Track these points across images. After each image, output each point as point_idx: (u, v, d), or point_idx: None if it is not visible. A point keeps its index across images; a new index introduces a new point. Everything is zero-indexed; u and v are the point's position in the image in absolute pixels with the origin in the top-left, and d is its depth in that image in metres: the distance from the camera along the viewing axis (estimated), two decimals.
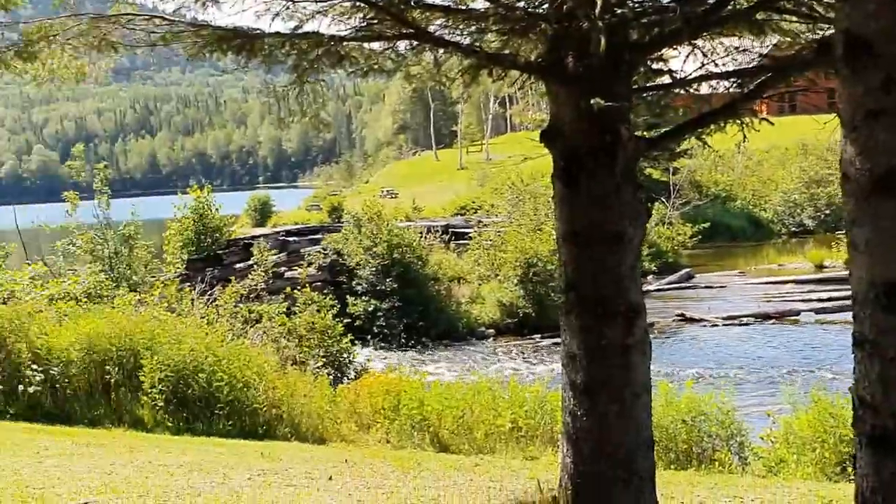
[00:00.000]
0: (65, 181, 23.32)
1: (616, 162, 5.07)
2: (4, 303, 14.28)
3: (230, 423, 11.76)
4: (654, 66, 5.54)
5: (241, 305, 17.91)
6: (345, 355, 16.97)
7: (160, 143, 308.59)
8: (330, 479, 7.92)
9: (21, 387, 11.67)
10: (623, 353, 5.12)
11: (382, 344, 25.43)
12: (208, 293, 19.99)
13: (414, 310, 26.03)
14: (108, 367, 12.16)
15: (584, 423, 5.21)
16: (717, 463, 10.39)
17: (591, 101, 4.71)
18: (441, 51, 5.88)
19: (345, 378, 16.40)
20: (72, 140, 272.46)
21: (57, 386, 12.02)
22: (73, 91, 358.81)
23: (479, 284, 29.12)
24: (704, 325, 25.95)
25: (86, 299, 15.72)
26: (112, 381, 12.14)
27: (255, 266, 25.73)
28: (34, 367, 11.83)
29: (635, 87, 5.40)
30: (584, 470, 5.26)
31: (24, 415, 11.67)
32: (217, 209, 30.17)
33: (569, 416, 5.33)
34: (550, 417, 11.85)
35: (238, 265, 28.21)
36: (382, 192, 76.92)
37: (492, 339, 25.80)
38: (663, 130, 5.73)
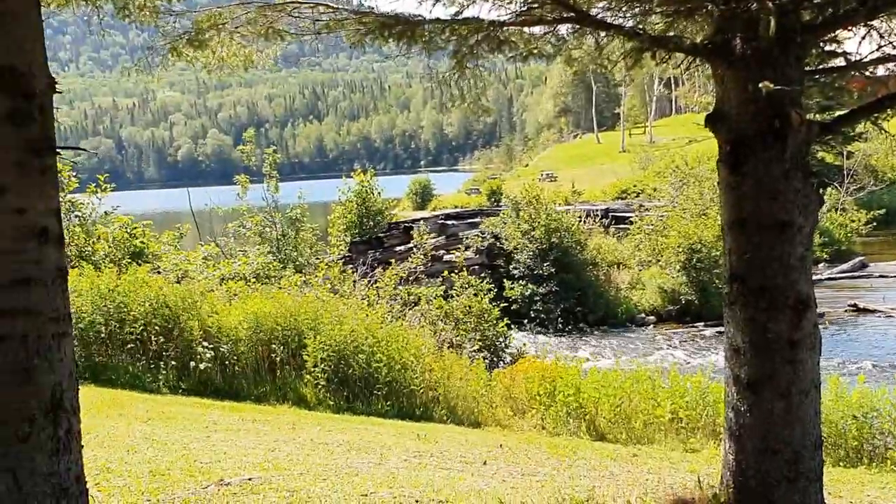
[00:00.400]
0: (237, 164, 24.30)
1: (785, 147, 4.82)
2: (178, 282, 14.99)
3: (388, 403, 11.97)
4: (827, 48, 5.24)
5: (400, 288, 18.21)
6: (501, 339, 16.98)
7: (327, 128, 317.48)
8: (484, 463, 7.94)
9: (192, 363, 12.22)
10: (790, 347, 4.88)
11: (539, 329, 25.36)
12: (369, 275, 20.43)
13: (571, 295, 25.84)
14: (273, 346, 12.58)
15: (748, 419, 5.00)
16: (889, 462, 9.83)
17: (760, 85, 4.49)
18: (603, 34, 5.74)
19: (500, 362, 16.42)
20: (244, 124, 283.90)
21: (226, 363, 12.53)
22: (246, 77, 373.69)
23: (640, 270, 28.61)
24: (879, 316, 24.64)
25: (254, 279, 16.33)
26: (277, 359, 12.56)
27: (414, 249, 26.14)
28: (205, 344, 12.37)
29: (807, 69, 5.12)
30: (747, 468, 5.06)
31: (195, 390, 12.22)
32: (379, 193, 30.80)
33: (732, 412, 5.13)
34: (713, 409, 11.50)
35: (398, 248, 28.73)
36: (542, 175, 76.64)
37: (652, 326, 25.31)
38: (837, 115, 5.41)
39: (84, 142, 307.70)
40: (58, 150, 3.67)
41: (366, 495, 5.98)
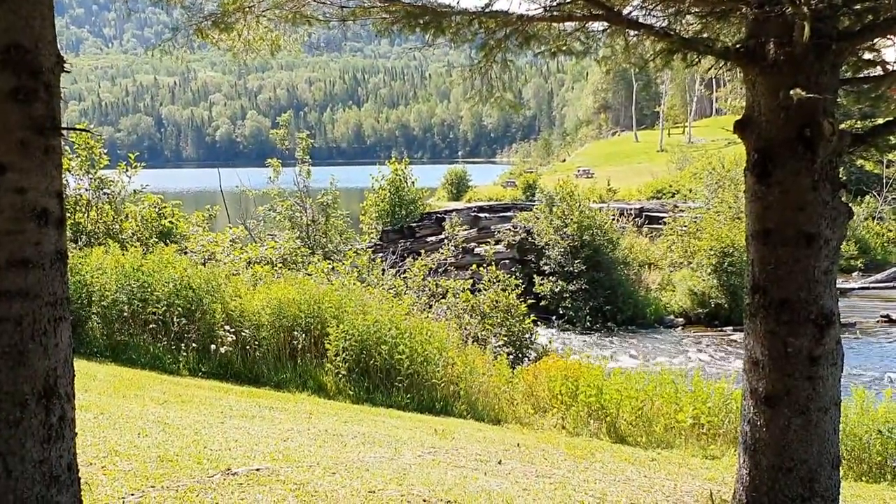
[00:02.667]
0: (274, 147, 24.26)
1: (815, 157, 4.66)
2: (204, 264, 15.01)
3: (409, 396, 11.90)
4: (865, 56, 5.06)
5: (429, 279, 18.13)
6: (526, 336, 16.85)
7: (366, 114, 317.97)
8: (499, 462, 7.83)
9: (213, 346, 12.22)
10: (811, 363, 4.73)
11: (567, 326, 25.18)
12: (398, 265, 20.39)
13: (601, 293, 25.62)
14: (295, 333, 12.55)
15: (763, 434, 4.86)
16: None
17: (791, 92, 4.34)
18: (633, 33, 5.59)
19: (525, 359, 16.30)
20: (283, 108, 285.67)
21: (247, 348, 12.52)
22: (287, 60, 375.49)
23: (671, 271, 28.33)
24: None
25: (281, 265, 16.31)
26: (299, 346, 12.53)
27: (445, 240, 26.09)
28: (227, 328, 12.36)
29: (842, 78, 4.94)
30: (760, 484, 4.91)
31: (214, 373, 12.23)
32: (413, 182, 30.72)
33: (748, 426, 4.99)
34: (735, 416, 11.32)
35: (430, 238, 28.69)
36: (578, 171, 76.32)
37: (680, 328, 25.03)
38: (872, 125, 5.23)
39: (124, 118, 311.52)
40: (62, 130, 3.59)
41: (373, 492, 5.89)
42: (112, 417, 7.72)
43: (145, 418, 7.88)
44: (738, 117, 5.11)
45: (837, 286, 4.88)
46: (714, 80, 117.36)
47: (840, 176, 4.77)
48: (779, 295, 4.75)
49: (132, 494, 5.33)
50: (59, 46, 3.65)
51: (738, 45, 4.86)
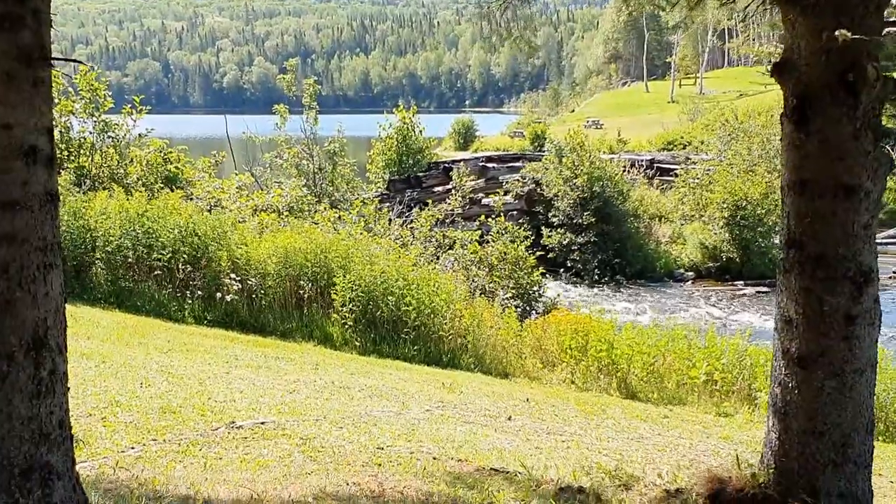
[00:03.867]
0: (282, 93, 23.80)
1: (858, 104, 4.36)
2: (210, 210, 14.77)
3: (416, 348, 11.71)
4: None
5: (436, 230, 17.87)
6: (535, 288, 16.61)
7: (373, 62, 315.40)
8: (509, 418, 7.63)
9: (219, 295, 12.01)
10: (847, 322, 4.46)
11: (575, 279, 24.97)
12: (405, 215, 20.13)
13: (610, 246, 25.33)
14: (301, 283, 12.33)
15: (795, 396, 4.61)
16: None
17: (836, 33, 4.02)
18: None
19: (533, 312, 16.09)
20: (291, 54, 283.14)
21: (253, 297, 12.32)
22: (295, 6, 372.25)
23: (682, 224, 28.00)
24: None
25: (287, 213, 16.05)
26: (305, 296, 12.32)
27: (453, 191, 25.77)
28: (232, 276, 12.15)
29: (887, 20, 4.62)
30: (790, 449, 4.67)
31: (220, 322, 12.04)
32: (421, 131, 30.34)
33: (778, 387, 4.74)
34: (749, 373, 11.14)
35: (437, 188, 28.37)
36: (588, 121, 75.63)
37: (690, 282, 24.78)
38: None
39: (131, 63, 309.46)
40: (53, 61, 3.30)
41: (382, 448, 5.68)
42: (114, 366, 7.52)
43: (148, 367, 7.68)
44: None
45: None
46: (727, 30, 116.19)
47: (883, 124, 4.47)
48: (815, 250, 4.47)
49: (132, 448, 5.13)
50: None
51: None
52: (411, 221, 18.57)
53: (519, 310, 15.18)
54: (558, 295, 17.82)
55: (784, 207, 4.67)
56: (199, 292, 12.16)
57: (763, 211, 24.70)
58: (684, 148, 46.64)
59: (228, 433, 5.63)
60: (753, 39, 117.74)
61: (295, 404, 6.80)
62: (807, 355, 4.57)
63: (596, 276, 24.77)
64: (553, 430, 7.36)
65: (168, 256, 12.33)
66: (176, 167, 16.84)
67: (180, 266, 12.36)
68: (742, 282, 24.13)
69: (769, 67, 4.91)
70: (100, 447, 5.06)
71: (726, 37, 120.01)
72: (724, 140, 35.14)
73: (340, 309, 11.95)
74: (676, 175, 31.54)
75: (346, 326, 11.95)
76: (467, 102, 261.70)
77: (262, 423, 5.91)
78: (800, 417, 4.62)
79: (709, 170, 29.17)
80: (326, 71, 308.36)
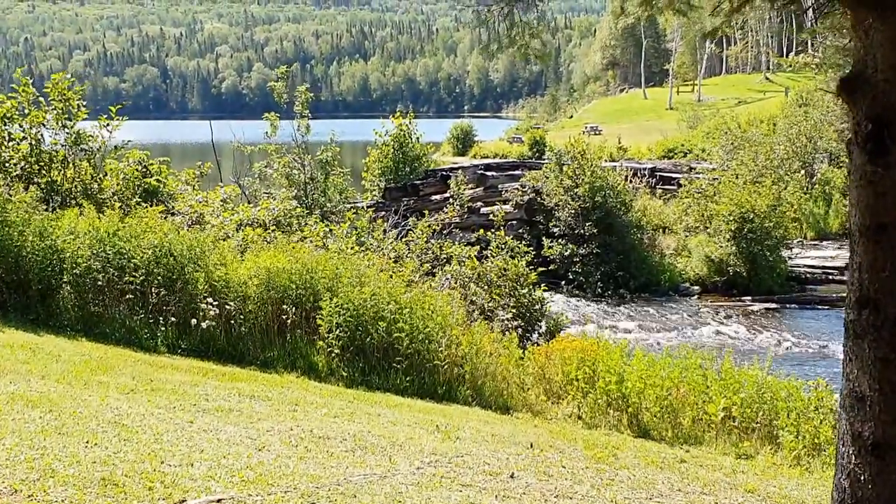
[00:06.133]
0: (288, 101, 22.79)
1: None
2: (192, 225, 13.87)
3: (408, 379, 10.78)
4: None
5: (432, 241, 16.97)
6: (536, 306, 15.66)
7: (372, 68, 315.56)
8: (512, 476, 6.71)
9: (195, 321, 11.08)
10: None
11: (576, 292, 24.06)
12: (401, 225, 19.26)
13: (613, 258, 24.42)
14: (285, 307, 11.41)
15: (868, 492, 3.71)
16: None
17: None
18: None
19: (534, 332, 15.14)
20: (290, 60, 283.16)
21: (232, 322, 11.40)
22: (294, 12, 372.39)
23: (686, 236, 27.09)
24: None
25: (274, 227, 15.14)
26: (288, 321, 11.40)
27: (451, 199, 24.94)
28: (210, 300, 11.22)
29: None
30: None
31: (195, 350, 11.12)
32: (418, 137, 29.53)
33: (847, 479, 3.83)
34: (770, 408, 10.23)
35: (434, 196, 27.55)
36: (586, 127, 75.08)
37: (696, 297, 23.86)
38: None
39: (129, 69, 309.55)
40: None
41: None
42: (62, 416, 6.61)
43: (101, 417, 6.76)
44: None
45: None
46: (724, 37, 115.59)
47: None
48: None
49: None
50: None
51: None
52: (407, 232, 17.66)
53: (520, 330, 14.27)
54: (561, 313, 16.85)
55: (853, 257, 3.75)
56: (173, 318, 11.21)
57: (771, 224, 23.80)
58: (685, 156, 45.90)
59: None
60: (752, 47, 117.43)
61: (262, 468, 5.86)
62: (884, 442, 3.66)
63: (599, 289, 23.85)
64: (562, 493, 6.45)
65: (141, 279, 11.39)
66: (157, 179, 15.88)
67: (153, 290, 11.42)
68: (749, 297, 23.24)
69: (826, 83, 4.00)
70: None
71: (724, 44, 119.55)
72: (726, 149, 34.34)
73: (326, 335, 11.02)
74: (679, 184, 30.66)
75: (333, 355, 11.02)
76: (466, 108, 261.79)
77: (218, 502, 4.99)
78: None
79: (714, 179, 28.28)
80: (326, 76, 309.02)
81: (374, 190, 28.44)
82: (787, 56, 77.66)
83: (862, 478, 3.74)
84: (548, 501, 6.14)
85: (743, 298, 23.33)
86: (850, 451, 3.79)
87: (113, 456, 5.73)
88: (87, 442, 6.00)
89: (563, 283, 24.41)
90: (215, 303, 11.22)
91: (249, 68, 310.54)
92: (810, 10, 4.10)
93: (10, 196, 12.55)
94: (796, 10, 4.38)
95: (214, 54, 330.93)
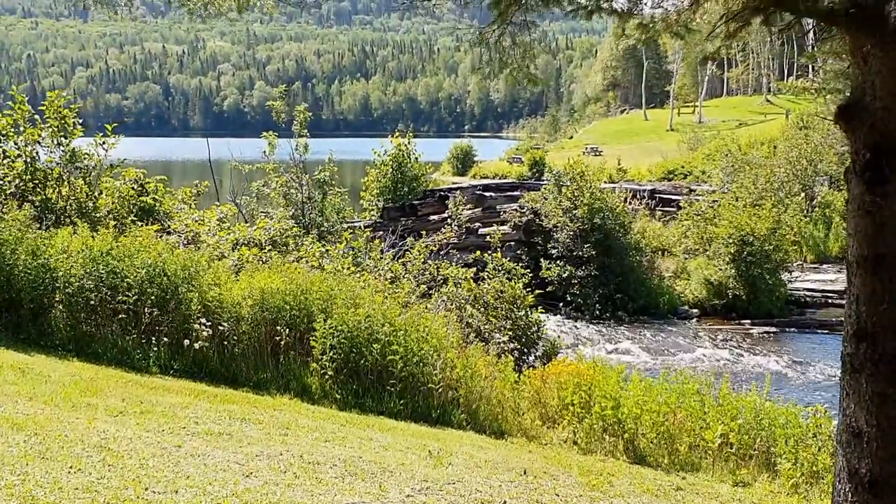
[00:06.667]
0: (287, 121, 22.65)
1: None
2: (188, 245, 13.77)
3: (402, 402, 10.66)
4: None
5: (430, 262, 16.87)
6: (533, 329, 15.54)
7: (374, 87, 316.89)
8: None
9: (188, 341, 10.97)
10: None
11: (574, 314, 23.93)
12: (398, 245, 19.18)
13: (611, 280, 24.30)
14: (279, 328, 11.29)
15: None
16: None
17: None
18: None
19: (531, 355, 15.03)
20: (292, 79, 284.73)
21: (225, 343, 11.27)
22: (296, 32, 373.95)
23: (686, 258, 27.00)
24: None
25: (270, 247, 15.05)
26: (282, 343, 11.27)
27: (449, 220, 24.87)
28: (203, 320, 11.11)
29: None
30: None
31: (188, 371, 10.99)
32: (417, 157, 29.50)
33: None
34: (767, 434, 10.11)
35: (432, 217, 27.48)
36: (586, 148, 75.27)
37: (695, 320, 23.73)
38: None
39: (132, 86, 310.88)
40: None
41: None
42: (46, 440, 6.49)
43: (86, 441, 6.64)
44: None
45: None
46: (726, 60, 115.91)
47: None
48: (895, 346, 3.48)
49: None
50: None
51: (849, 6, 3.56)
52: (404, 253, 17.57)
53: (516, 352, 14.16)
54: (559, 336, 16.73)
55: (851, 288, 3.66)
56: (166, 339, 11.08)
57: (770, 247, 23.72)
58: (685, 178, 45.90)
59: None
60: (753, 69, 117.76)
61: (248, 496, 5.75)
62: (881, 479, 3.56)
63: (597, 312, 23.72)
64: None
65: (134, 298, 11.27)
66: (153, 198, 15.80)
67: (146, 309, 11.31)
68: (749, 321, 23.11)
69: (826, 107, 3.91)
70: None
71: (725, 66, 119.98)
72: (727, 171, 34.31)
73: (320, 357, 10.90)
74: (678, 206, 30.60)
75: (326, 377, 10.90)
76: (466, 127, 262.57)
77: None
78: None
79: (715, 202, 28.21)
80: (327, 95, 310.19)
81: (373, 209, 28.39)
82: (786, 80, 77.71)
83: None
84: None
85: (742, 322, 23.21)
86: (847, 489, 3.69)
87: (96, 482, 5.62)
88: (71, 467, 5.89)
89: (561, 304, 24.29)
90: (208, 323, 11.11)
91: (251, 86, 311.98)
92: (811, 32, 4.02)
93: (4, 214, 12.48)
94: (797, 34, 4.31)
95: (217, 72, 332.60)
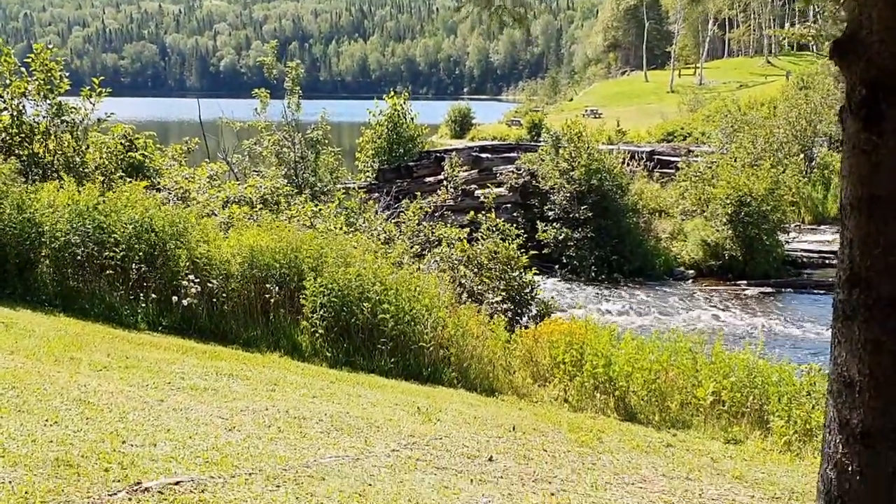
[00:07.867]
0: (280, 77, 22.27)
1: None
2: (178, 201, 13.61)
3: (393, 360, 10.57)
4: None
5: (424, 224, 16.71)
6: (527, 290, 15.40)
7: (371, 48, 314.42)
8: (490, 459, 6.50)
9: (176, 298, 10.84)
10: None
11: (570, 276, 23.82)
12: (393, 206, 19.01)
13: (608, 242, 24.15)
14: (268, 286, 11.16)
15: (856, 483, 3.47)
16: None
17: None
18: None
19: (524, 315, 14.90)
20: (288, 39, 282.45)
21: (214, 300, 11.15)
22: None
23: (683, 220, 26.84)
24: None
25: (261, 205, 14.88)
26: (272, 300, 11.15)
27: (445, 181, 24.64)
28: (191, 277, 10.97)
29: None
30: None
31: (177, 328, 10.88)
32: (412, 118, 29.17)
33: (833, 470, 3.59)
34: (760, 392, 10.03)
35: (428, 178, 27.26)
36: (586, 111, 74.82)
37: (691, 281, 23.64)
38: None
39: (128, 46, 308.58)
40: None
41: None
42: (24, 393, 6.36)
43: (66, 395, 6.51)
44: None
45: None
46: (728, 20, 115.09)
47: None
48: (889, 290, 3.33)
49: None
50: None
51: None
52: (399, 214, 17.40)
53: (510, 314, 14.05)
54: (552, 298, 16.63)
55: (844, 232, 3.49)
56: (154, 295, 10.96)
57: (768, 207, 23.56)
58: (685, 139, 45.63)
59: (129, 499, 4.47)
60: (754, 30, 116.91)
61: (229, 449, 5.63)
62: (874, 430, 3.42)
63: (593, 273, 23.62)
64: (541, 476, 6.23)
65: (121, 254, 11.13)
66: (142, 154, 15.58)
67: (134, 265, 11.15)
68: (745, 282, 23.01)
69: (821, 47, 3.73)
70: None
71: (727, 26, 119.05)
72: (726, 132, 34.06)
73: (310, 315, 10.78)
74: (677, 168, 30.38)
75: (317, 335, 10.80)
76: (465, 89, 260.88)
77: (177, 484, 4.74)
78: None
79: (713, 163, 28.01)
80: (325, 56, 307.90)
81: (368, 171, 28.10)
82: (785, 28, 77.17)
83: (850, 468, 3.50)
84: (525, 485, 5.92)
85: (738, 283, 23.12)
86: (837, 440, 3.55)
87: (72, 435, 5.49)
88: (48, 420, 5.76)
89: (558, 266, 24.19)
90: (197, 280, 10.98)
91: (248, 46, 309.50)
92: None
93: None
94: None
95: (213, 32, 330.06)
